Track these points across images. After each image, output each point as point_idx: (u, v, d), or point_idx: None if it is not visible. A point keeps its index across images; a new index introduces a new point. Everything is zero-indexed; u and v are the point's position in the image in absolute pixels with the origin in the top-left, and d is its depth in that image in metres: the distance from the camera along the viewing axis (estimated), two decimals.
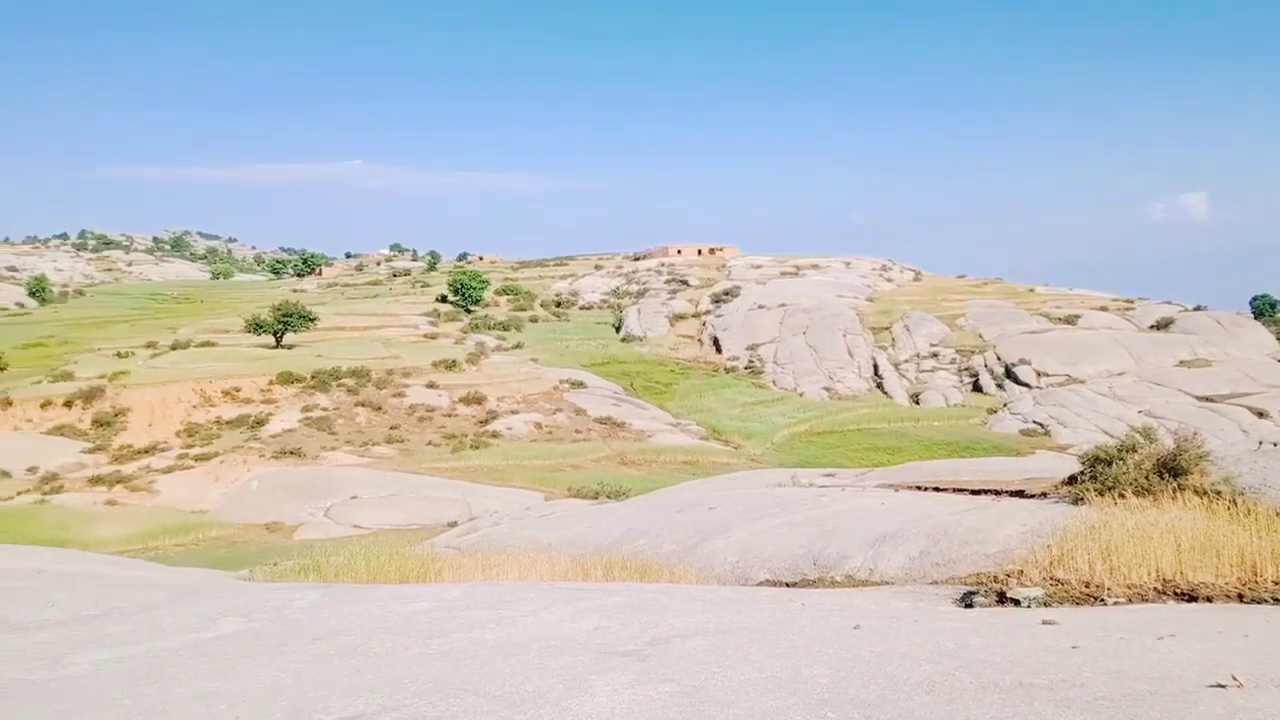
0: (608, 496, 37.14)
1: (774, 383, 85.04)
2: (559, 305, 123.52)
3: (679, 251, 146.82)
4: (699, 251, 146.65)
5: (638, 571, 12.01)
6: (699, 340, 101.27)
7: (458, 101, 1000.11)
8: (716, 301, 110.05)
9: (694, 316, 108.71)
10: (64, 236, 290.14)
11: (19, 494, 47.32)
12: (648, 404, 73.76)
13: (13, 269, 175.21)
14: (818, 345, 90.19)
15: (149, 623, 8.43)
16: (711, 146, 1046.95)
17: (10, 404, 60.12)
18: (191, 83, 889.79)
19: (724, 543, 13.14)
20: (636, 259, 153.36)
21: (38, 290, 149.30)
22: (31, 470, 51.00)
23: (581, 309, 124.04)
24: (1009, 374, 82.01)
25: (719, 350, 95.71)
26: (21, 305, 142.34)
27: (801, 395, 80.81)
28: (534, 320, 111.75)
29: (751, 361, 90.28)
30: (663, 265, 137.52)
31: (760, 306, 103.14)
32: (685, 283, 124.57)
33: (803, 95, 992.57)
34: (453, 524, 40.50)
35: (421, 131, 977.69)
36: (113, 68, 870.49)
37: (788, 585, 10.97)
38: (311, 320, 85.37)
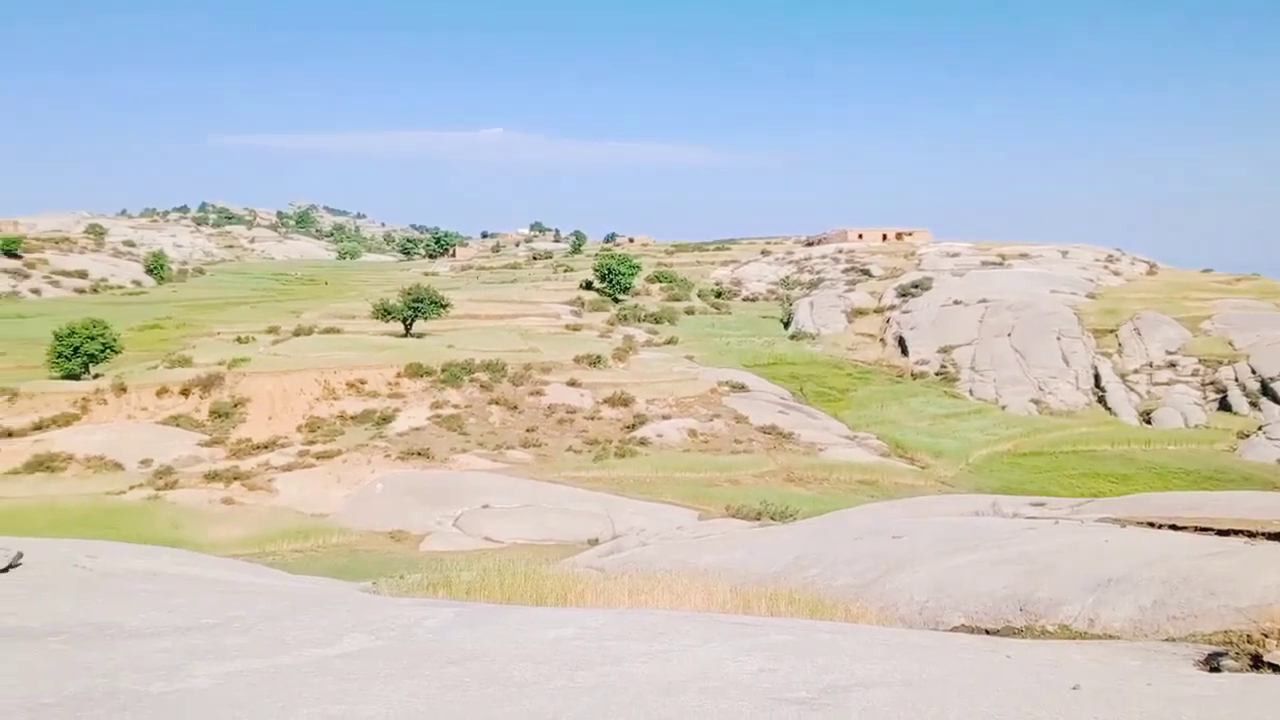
0: (771, 518, 36.96)
1: (970, 392, 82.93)
2: (719, 296, 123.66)
3: (860, 236, 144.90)
4: (884, 237, 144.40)
5: (808, 606, 11.92)
6: (881, 340, 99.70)
7: (611, 60, 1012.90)
8: (903, 295, 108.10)
9: (876, 312, 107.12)
10: (184, 209, 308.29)
11: (132, 488, 50.55)
12: (819, 412, 73.10)
13: (130, 244, 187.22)
14: (1025, 350, 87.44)
15: (271, 634, 8.89)
16: (902, 115, 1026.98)
17: (125, 390, 64.28)
18: (318, 45, 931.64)
19: (910, 578, 12.91)
20: (810, 244, 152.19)
21: (155, 268, 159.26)
22: (145, 463, 54.41)
23: (745, 300, 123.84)
24: (1266, 390, 77.56)
25: (905, 352, 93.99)
26: (138, 283, 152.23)
27: (1004, 408, 78.52)
28: (690, 312, 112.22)
29: (944, 366, 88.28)
30: (840, 252, 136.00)
31: (956, 302, 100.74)
32: (867, 272, 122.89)
33: (1015, 57, 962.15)
34: (594, 541, 41.10)
35: (568, 94, 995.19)
36: (236, 30, 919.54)
37: (987, 633, 10.69)
38: (443, 306, 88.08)
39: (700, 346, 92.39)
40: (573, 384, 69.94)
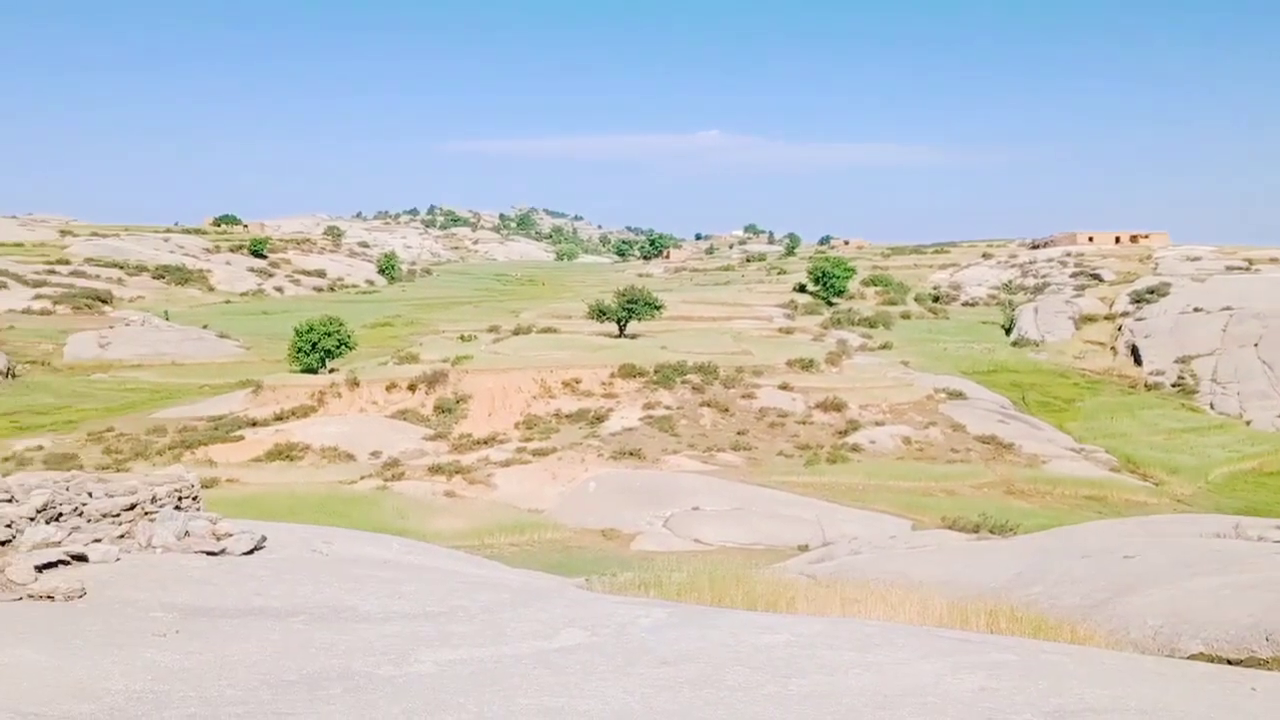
0: (990, 531, 35.84)
1: (1211, 406, 78.07)
2: (936, 300, 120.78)
3: (1090, 239, 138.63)
4: (1116, 239, 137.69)
5: (1031, 625, 11.52)
6: (1112, 348, 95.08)
7: (828, 61, 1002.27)
8: (1137, 301, 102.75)
9: (1106, 319, 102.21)
10: (414, 212, 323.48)
11: (362, 478, 53.33)
12: (1043, 423, 70.32)
13: (364, 245, 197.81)
14: (1274, 361, 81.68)
15: (493, 625, 9.24)
16: (1139, 109, 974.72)
17: (358, 385, 67.85)
18: (540, 50, 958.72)
19: (1143, 602, 12.30)
20: (1035, 247, 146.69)
21: (387, 268, 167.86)
22: (375, 455, 57.28)
23: (964, 305, 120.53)
24: None
25: (1138, 362, 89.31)
26: (371, 282, 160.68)
27: (1249, 424, 73.58)
28: (906, 317, 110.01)
29: (1181, 377, 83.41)
30: (1068, 255, 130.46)
31: (1196, 309, 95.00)
32: (1097, 277, 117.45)
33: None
34: (804, 547, 40.76)
35: (786, 97, 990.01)
36: (466, 36, 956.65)
37: (1229, 662, 10.08)
38: (657, 308, 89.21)
39: (916, 352, 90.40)
40: (784, 387, 69.56)
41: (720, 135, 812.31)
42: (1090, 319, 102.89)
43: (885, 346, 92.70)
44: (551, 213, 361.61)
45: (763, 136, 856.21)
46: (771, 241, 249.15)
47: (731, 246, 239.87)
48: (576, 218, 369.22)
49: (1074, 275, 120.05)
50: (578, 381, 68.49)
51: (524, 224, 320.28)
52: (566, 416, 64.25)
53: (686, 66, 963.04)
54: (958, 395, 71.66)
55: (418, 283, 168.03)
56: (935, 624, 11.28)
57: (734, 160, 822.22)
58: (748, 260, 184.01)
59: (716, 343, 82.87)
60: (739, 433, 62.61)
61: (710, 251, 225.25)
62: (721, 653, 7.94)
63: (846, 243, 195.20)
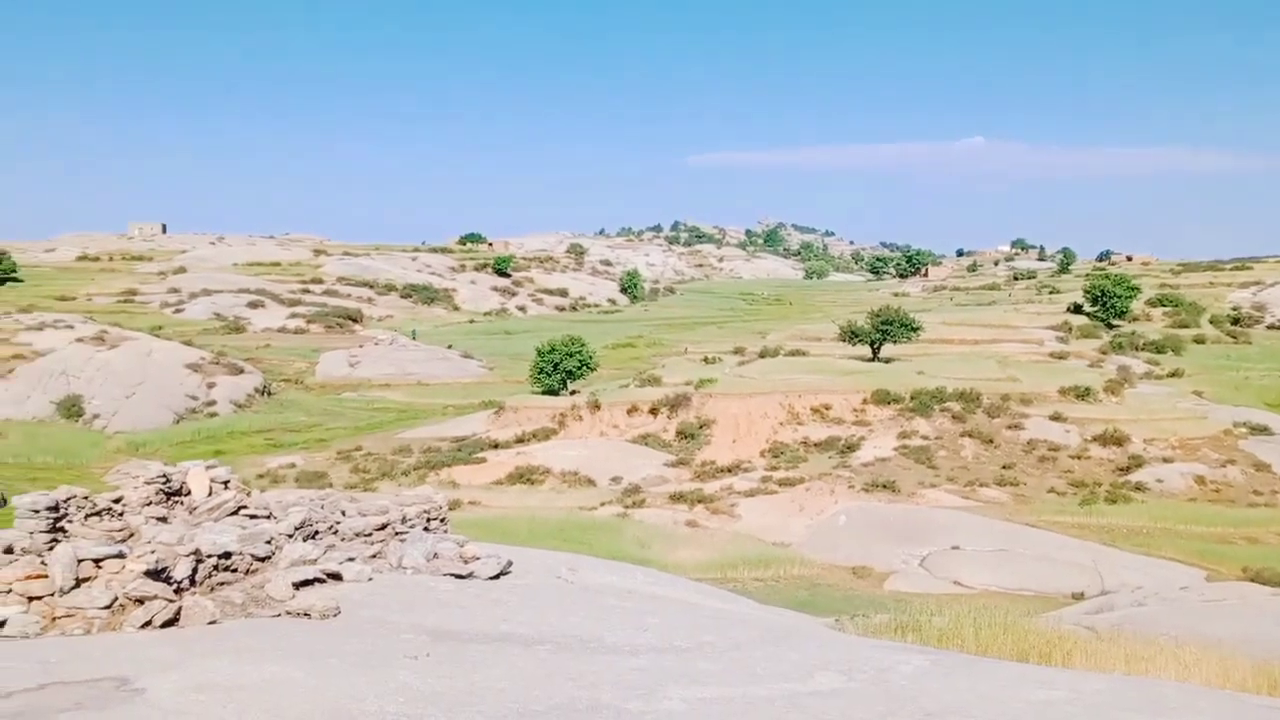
0: None
1: None
2: (1236, 322, 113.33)
3: None
4: None
5: None
6: None
7: (1108, 54, 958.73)
8: None
9: None
10: (657, 229, 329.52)
11: (603, 504, 54.59)
12: None
13: (607, 263, 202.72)
14: None
15: (741, 663, 9.30)
16: None
17: (599, 408, 69.58)
18: (786, 56, 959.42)
19: None
20: None
21: (629, 286, 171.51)
22: (615, 480, 58.54)
23: (1269, 328, 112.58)
24: None
25: None
26: (613, 302, 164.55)
27: None
28: (1199, 341, 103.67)
29: None
30: None
31: None
32: None
33: None
34: (1079, 595, 39.04)
35: (1056, 98, 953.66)
36: (716, 43, 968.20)
37: None
38: (914, 330, 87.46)
39: (1211, 381, 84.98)
40: (1056, 418, 66.82)
41: (984, 142, 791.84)
42: None
43: (1175, 374, 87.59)
44: (800, 228, 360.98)
45: (1031, 142, 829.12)
46: (1042, 258, 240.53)
47: (997, 263, 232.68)
48: (827, 233, 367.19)
49: None
50: (827, 408, 67.92)
51: (771, 240, 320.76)
52: (815, 444, 63.80)
53: (946, 69, 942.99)
54: (1262, 430, 66.91)
55: (661, 302, 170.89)
56: (1238, 688, 10.59)
57: (999, 168, 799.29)
58: (1015, 278, 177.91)
59: (979, 368, 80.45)
60: (1004, 466, 60.55)
61: (973, 269, 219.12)
62: (991, 708, 7.72)
63: (1129, 258, 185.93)
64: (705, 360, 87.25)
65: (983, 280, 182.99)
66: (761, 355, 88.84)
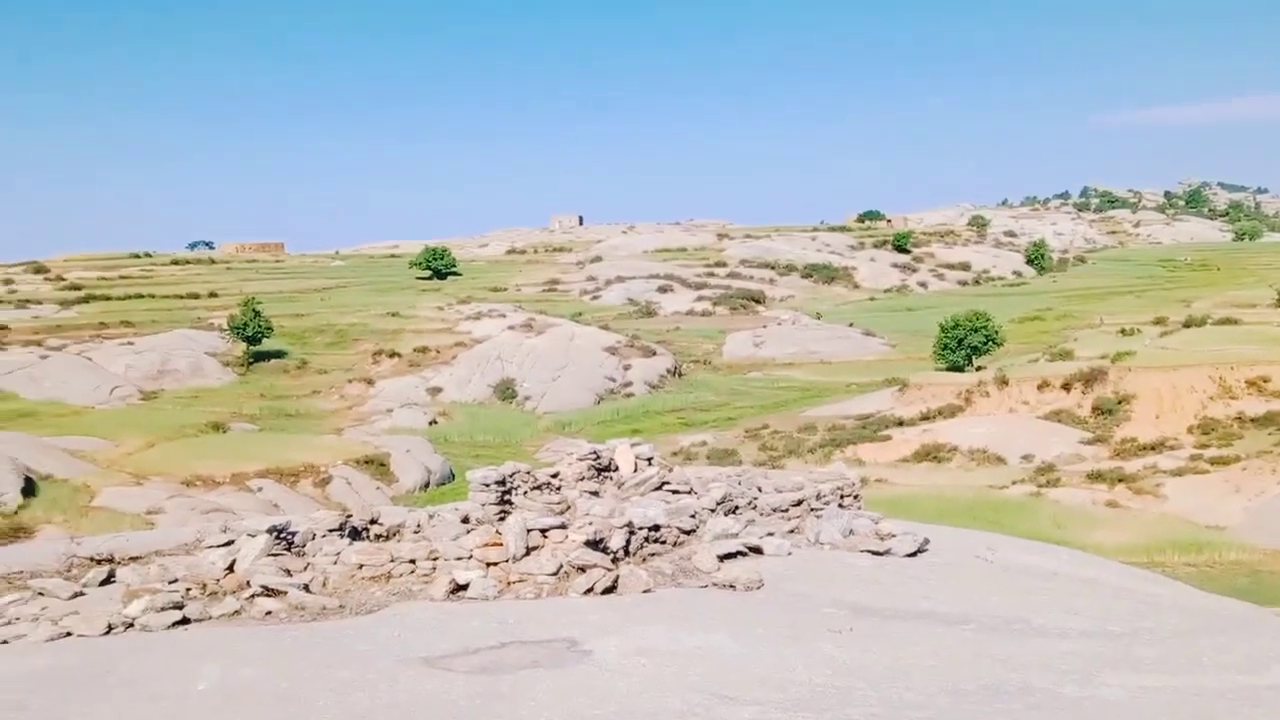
0: None
1: None
2: None
3: None
4: None
5: None
6: None
7: None
8: None
9: None
10: (1064, 196, 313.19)
11: (1014, 483, 52.61)
12: None
13: (1010, 234, 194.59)
14: None
15: (1185, 653, 8.74)
16: None
17: (1006, 384, 67.04)
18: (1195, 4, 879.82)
19: None
20: None
21: (1035, 257, 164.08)
22: (1026, 458, 56.25)
23: None
24: None
25: None
26: (1019, 274, 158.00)
27: None
28: None
29: None
30: None
31: None
32: None
33: None
34: None
35: None
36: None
37: None
38: None
39: None
40: None
41: None
42: None
43: None
44: (1227, 186, 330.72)
45: None
46: None
47: None
48: (1259, 190, 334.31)
49: None
50: (1265, 380, 61.97)
51: (1194, 202, 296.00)
52: (1251, 421, 58.39)
53: None
54: None
55: (1070, 272, 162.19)
56: None
57: None
58: None
59: None
60: None
61: None
62: None
63: None
64: (1122, 332, 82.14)
65: None
66: (1186, 325, 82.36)
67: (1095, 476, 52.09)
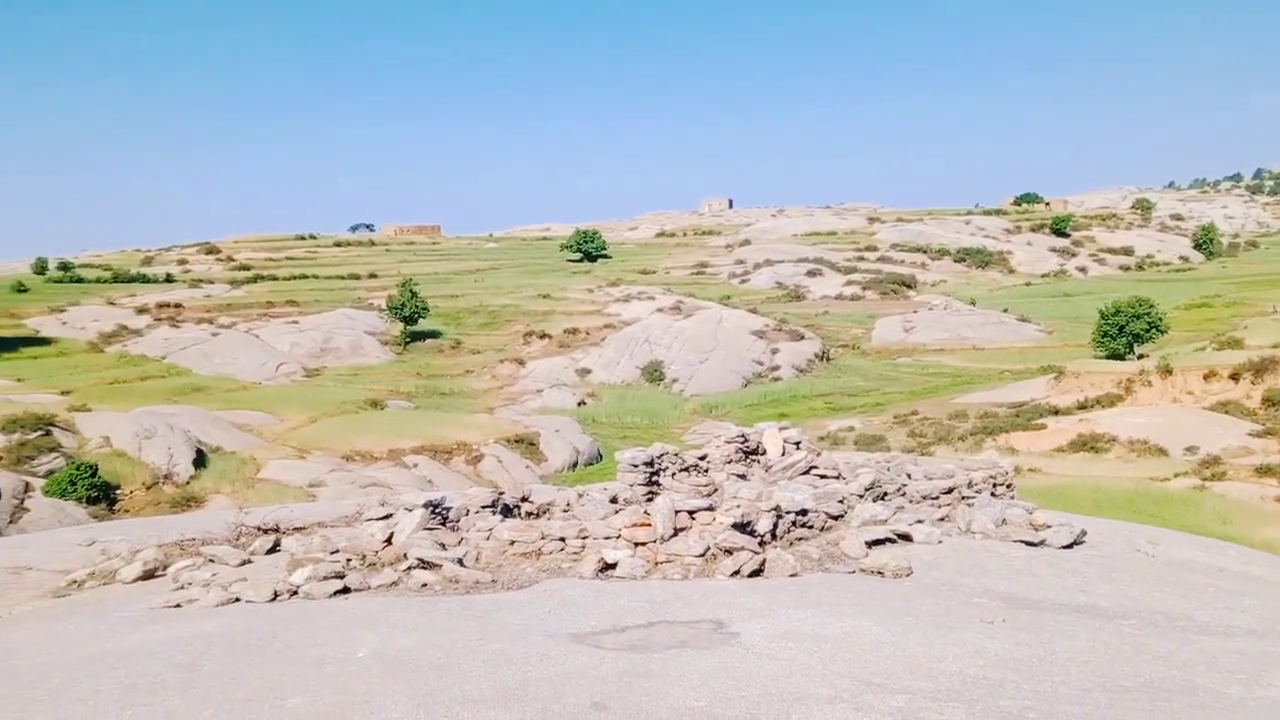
0: None
1: None
2: None
3: None
4: None
5: None
6: None
7: None
8: None
9: None
10: (1236, 178, 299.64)
11: (1176, 476, 50.61)
12: None
13: (1178, 217, 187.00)
14: None
15: None
16: None
17: (1170, 373, 64.50)
18: None
19: None
20: None
21: (1204, 242, 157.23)
22: (1190, 450, 54.04)
23: None
24: None
25: None
26: (1185, 259, 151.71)
27: None
28: None
29: None
30: None
31: None
32: None
33: None
34: None
35: None
36: None
37: None
38: None
39: None
40: None
41: None
42: None
43: None
44: None
45: None
46: None
47: None
48: None
49: None
50: None
51: None
52: None
53: None
54: None
55: (1241, 258, 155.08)
56: None
57: None
58: None
59: None
60: None
61: None
62: None
63: None
64: None
65: None
66: None
67: (1265, 471, 49.79)
